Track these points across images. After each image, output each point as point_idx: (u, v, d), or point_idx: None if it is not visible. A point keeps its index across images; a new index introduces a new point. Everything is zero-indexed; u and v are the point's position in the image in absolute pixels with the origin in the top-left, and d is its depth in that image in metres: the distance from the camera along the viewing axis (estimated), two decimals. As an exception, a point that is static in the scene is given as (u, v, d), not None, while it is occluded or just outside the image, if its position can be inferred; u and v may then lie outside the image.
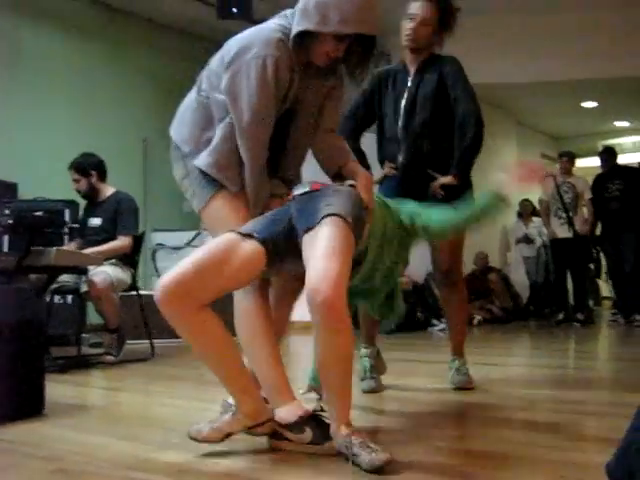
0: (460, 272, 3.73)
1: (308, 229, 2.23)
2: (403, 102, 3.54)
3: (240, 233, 2.26)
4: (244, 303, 2.40)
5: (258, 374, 2.40)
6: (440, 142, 3.51)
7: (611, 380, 4.33)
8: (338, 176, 2.60)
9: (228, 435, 2.28)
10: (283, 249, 2.29)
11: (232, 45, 2.41)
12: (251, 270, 2.25)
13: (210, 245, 2.25)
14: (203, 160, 2.44)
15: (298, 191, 2.45)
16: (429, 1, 3.45)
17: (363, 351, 3.60)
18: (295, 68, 2.37)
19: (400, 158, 3.53)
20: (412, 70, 3.59)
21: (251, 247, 2.23)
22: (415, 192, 3.42)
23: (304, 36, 2.31)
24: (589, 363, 5.28)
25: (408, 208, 2.69)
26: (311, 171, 2.69)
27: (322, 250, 2.11)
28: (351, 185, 2.47)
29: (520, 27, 8.31)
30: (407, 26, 3.49)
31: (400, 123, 3.53)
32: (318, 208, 2.27)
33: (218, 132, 2.42)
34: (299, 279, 2.35)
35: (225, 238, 2.25)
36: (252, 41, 2.34)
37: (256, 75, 2.29)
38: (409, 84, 3.57)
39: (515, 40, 8.29)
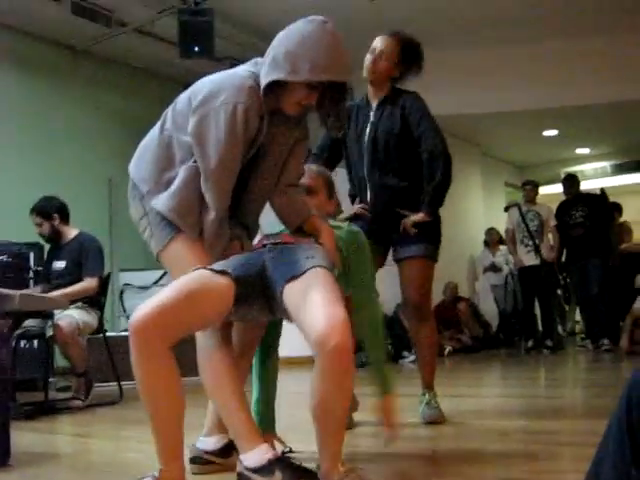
0: (429, 306, 3.74)
1: (291, 278, 2.19)
2: (366, 138, 3.57)
3: (212, 270, 2.23)
4: (208, 346, 2.36)
5: (224, 419, 2.36)
6: (406, 178, 3.54)
7: (583, 407, 4.35)
8: (299, 230, 2.60)
9: None
10: (252, 292, 2.26)
11: (201, 88, 2.39)
12: (222, 308, 2.21)
13: (183, 280, 2.20)
14: (163, 203, 2.40)
15: (269, 240, 2.43)
16: (390, 35, 3.55)
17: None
18: (264, 116, 2.36)
19: (368, 195, 3.55)
20: (374, 104, 3.63)
21: (224, 283, 2.20)
22: (386, 229, 3.45)
23: (275, 85, 2.30)
24: (561, 391, 5.30)
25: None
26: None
27: (322, 299, 2.08)
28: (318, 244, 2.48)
29: (480, 59, 8.47)
30: (368, 59, 3.55)
31: (365, 159, 3.55)
32: (298, 259, 2.26)
33: (180, 174, 2.39)
34: (258, 328, 2.33)
35: (198, 274, 2.21)
36: (222, 86, 2.32)
37: (225, 121, 2.27)
38: (372, 119, 3.60)
39: (476, 72, 8.43)
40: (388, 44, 3.55)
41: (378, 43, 3.57)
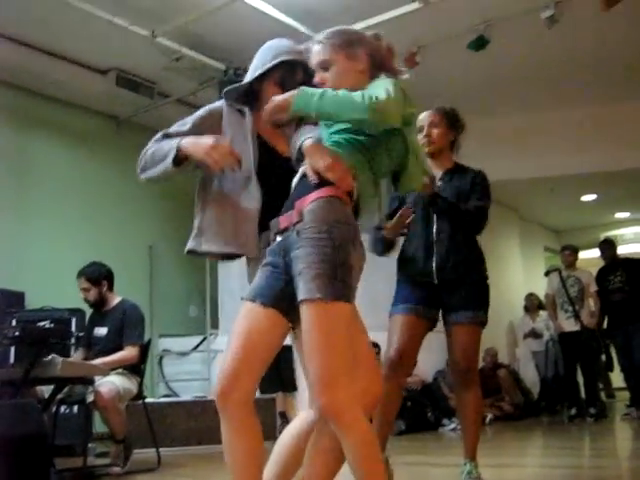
0: (476, 372, 3.70)
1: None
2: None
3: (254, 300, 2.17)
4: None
5: None
6: (473, 245, 3.58)
7: (629, 479, 4.23)
8: None
9: None
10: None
11: None
12: (280, 337, 2.19)
13: (236, 330, 2.16)
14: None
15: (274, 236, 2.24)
16: (430, 110, 3.65)
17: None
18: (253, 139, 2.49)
19: (434, 263, 3.55)
20: (438, 176, 3.68)
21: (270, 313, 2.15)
22: (440, 294, 3.48)
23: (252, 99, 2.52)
24: (605, 461, 5.17)
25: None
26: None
27: (307, 348, 2.02)
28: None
29: (518, 125, 8.55)
30: (421, 136, 3.63)
31: (435, 227, 3.57)
32: (296, 282, 2.06)
33: None
34: None
35: (245, 317, 2.16)
36: None
37: None
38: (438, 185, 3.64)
39: (514, 138, 8.51)
40: (432, 114, 3.67)
41: (423, 119, 3.67)
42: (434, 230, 3.59)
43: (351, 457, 2.01)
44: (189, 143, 2.40)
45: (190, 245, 2.50)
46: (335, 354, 1.99)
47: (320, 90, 2.14)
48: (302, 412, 2.39)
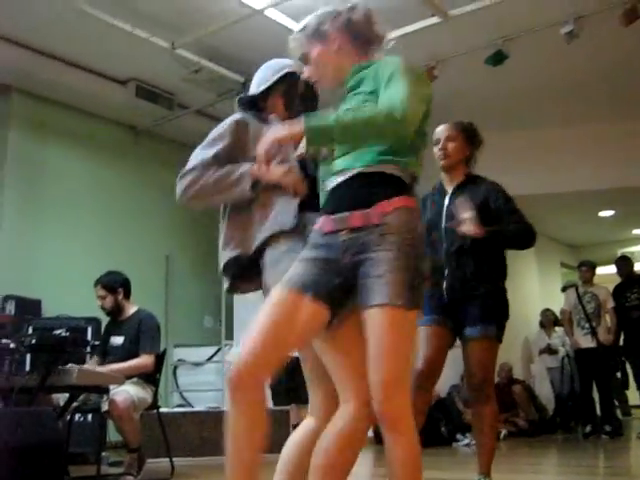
0: (492, 387, 3.67)
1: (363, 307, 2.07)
2: (443, 223, 3.59)
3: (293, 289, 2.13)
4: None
5: None
6: (484, 261, 3.55)
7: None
8: None
9: None
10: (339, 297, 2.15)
11: None
12: (312, 331, 2.15)
13: (266, 313, 2.13)
14: None
15: (337, 225, 2.15)
16: (448, 123, 3.64)
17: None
18: None
19: (445, 282, 3.55)
20: (449, 190, 3.67)
21: (308, 306, 2.11)
22: (456, 311, 3.46)
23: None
24: (621, 480, 5.13)
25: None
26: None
27: (372, 352, 2.02)
28: None
29: (536, 140, 8.51)
30: (437, 148, 3.63)
31: (445, 245, 3.56)
32: (369, 284, 2.03)
33: None
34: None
35: (277, 302, 2.13)
36: None
37: None
38: (447, 203, 3.63)
39: (531, 153, 8.49)
40: (449, 128, 3.67)
41: (440, 132, 3.67)
42: (444, 247, 3.58)
43: (397, 466, 2.03)
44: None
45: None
46: (403, 360, 2.04)
47: (331, 120, 2.02)
48: (305, 420, 2.39)
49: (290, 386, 5.98)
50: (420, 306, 2.08)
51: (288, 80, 2.59)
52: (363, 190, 2.11)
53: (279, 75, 2.59)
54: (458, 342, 3.62)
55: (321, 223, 2.18)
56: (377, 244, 2.03)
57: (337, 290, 2.09)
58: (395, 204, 2.06)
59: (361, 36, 2.26)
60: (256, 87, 2.64)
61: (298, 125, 2.03)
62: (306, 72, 2.31)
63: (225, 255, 2.50)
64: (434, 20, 6.04)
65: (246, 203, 2.48)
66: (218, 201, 2.55)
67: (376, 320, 2.00)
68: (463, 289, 3.52)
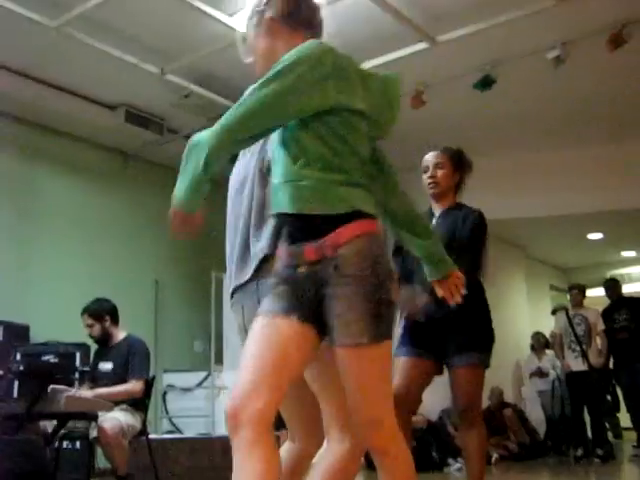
0: (479, 412, 3.66)
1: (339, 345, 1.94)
2: None
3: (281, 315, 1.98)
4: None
5: None
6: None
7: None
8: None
9: None
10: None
11: None
12: (307, 357, 1.99)
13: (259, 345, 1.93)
14: None
15: (293, 258, 2.03)
16: (436, 150, 3.66)
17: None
18: None
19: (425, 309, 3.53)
20: (437, 214, 3.68)
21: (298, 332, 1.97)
22: (440, 337, 3.45)
23: None
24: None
25: None
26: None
27: (347, 392, 1.95)
28: None
29: (524, 164, 8.56)
30: (426, 176, 3.64)
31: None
32: (331, 323, 1.92)
33: None
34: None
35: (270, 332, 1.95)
36: None
37: None
38: (433, 224, 3.64)
39: (520, 177, 8.53)
40: (438, 156, 3.67)
41: (429, 159, 3.67)
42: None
43: None
44: None
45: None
46: (380, 394, 1.96)
47: (201, 156, 2.05)
48: (285, 444, 2.36)
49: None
50: (390, 334, 1.94)
51: None
52: (315, 218, 1.95)
53: None
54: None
55: (281, 254, 2.06)
56: (334, 278, 1.90)
57: (319, 312, 1.93)
58: (349, 233, 1.91)
59: (296, 19, 2.17)
60: None
61: (173, 205, 1.97)
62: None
63: None
64: (422, 46, 6.07)
65: None
66: None
67: (345, 360, 1.91)
68: (442, 322, 3.50)
